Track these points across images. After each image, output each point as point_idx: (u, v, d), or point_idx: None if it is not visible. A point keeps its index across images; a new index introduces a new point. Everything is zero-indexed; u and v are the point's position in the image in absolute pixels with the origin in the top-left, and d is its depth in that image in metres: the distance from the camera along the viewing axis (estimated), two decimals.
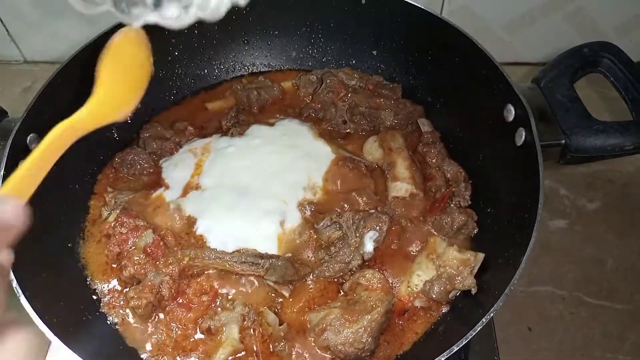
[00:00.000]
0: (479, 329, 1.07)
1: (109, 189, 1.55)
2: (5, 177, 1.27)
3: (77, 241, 1.47)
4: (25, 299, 1.11)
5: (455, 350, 1.06)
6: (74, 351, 1.08)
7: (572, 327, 1.61)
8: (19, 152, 1.33)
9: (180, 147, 1.64)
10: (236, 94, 1.77)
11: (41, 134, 1.40)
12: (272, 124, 1.70)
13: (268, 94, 1.77)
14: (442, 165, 1.55)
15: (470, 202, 1.49)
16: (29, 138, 1.37)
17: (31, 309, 1.10)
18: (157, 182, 1.57)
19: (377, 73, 1.79)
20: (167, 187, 1.55)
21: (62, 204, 1.46)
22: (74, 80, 1.50)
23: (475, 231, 1.45)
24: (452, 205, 1.47)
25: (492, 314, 1.08)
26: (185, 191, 1.53)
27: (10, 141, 1.32)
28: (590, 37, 1.59)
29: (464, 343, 1.05)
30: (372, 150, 1.60)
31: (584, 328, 1.61)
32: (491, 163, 1.51)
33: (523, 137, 1.35)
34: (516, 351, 1.57)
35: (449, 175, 1.54)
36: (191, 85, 1.83)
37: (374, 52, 1.82)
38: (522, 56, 2.08)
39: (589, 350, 1.58)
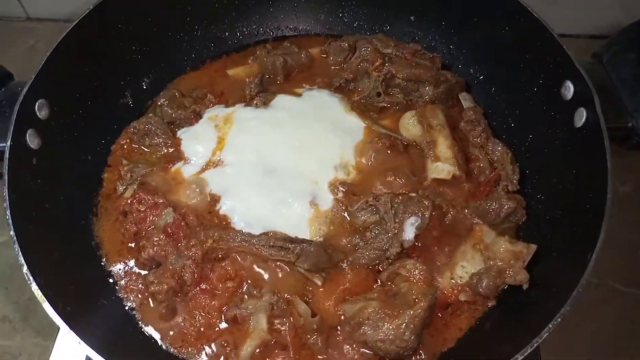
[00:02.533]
0: (545, 335, 0.96)
1: (124, 162, 1.43)
2: (12, 147, 1.15)
3: (91, 218, 1.37)
4: (36, 286, 1.01)
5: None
6: (87, 342, 1.00)
7: (604, 315, 1.51)
8: (27, 120, 1.21)
9: (200, 117, 1.51)
10: (260, 60, 1.63)
11: (50, 99, 1.29)
12: (299, 95, 1.57)
13: (295, 61, 1.63)
14: (487, 145, 1.43)
15: (518, 187, 1.36)
16: (37, 104, 1.25)
17: (43, 297, 1.00)
18: (176, 154, 1.46)
19: (414, 41, 1.65)
20: (186, 161, 1.44)
21: (73, 177, 1.35)
22: (84, 41, 1.38)
23: (524, 219, 1.34)
24: (499, 190, 1.35)
25: (559, 319, 0.97)
26: (207, 166, 1.42)
27: (17, 107, 1.19)
28: None
29: (529, 351, 0.95)
30: (410, 126, 1.47)
31: (616, 316, 1.52)
32: (542, 145, 1.38)
33: (584, 117, 1.22)
34: (547, 340, 1.49)
35: (494, 157, 1.41)
36: (211, 50, 1.69)
37: (412, 18, 1.67)
38: (581, 27, 1.89)
39: (622, 341, 1.48)
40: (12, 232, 1.04)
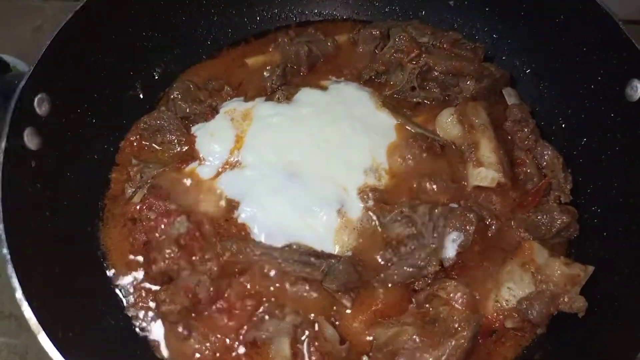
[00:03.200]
0: None
1: (134, 161, 1.31)
2: (7, 150, 1.03)
3: (96, 224, 1.25)
4: (32, 313, 0.89)
5: None
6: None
7: None
8: (25, 117, 1.09)
9: (217, 111, 1.38)
10: (282, 48, 1.48)
11: (51, 93, 1.17)
12: (324, 88, 1.43)
13: (320, 50, 1.49)
14: (535, 148, 1.29)
15: (571, 198, 1.22)
16: (37, 99, 1.12)
17: (39, 326, 0.88)
18: (190, 153, 1.34)
19: (453, 29, 1.49)
20: (201, 161, 1.31)
21: (77, 179, 1.23)
22: (90, 26, 1.24)
23: (576, 234, 1.20)
24: (551, 201, 1.20)
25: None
26: (224, 168, 1.29)
27: (13, 104, 1.06)
28: None
29: None
30: (449, 125, 1.33)
31: None
32: (599, 151, 1.24)
33: None
34: None
35: (543, 162, 1.27)
36: (229, 36, 1.55)
37: (450, 3, 1.51)
38: None
39: None
40: (5, 251, 0.92)
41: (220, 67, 1.51)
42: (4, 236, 0.93)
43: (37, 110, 1.12)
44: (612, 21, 1.17)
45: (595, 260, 1.12)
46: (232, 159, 1.29)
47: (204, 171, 1.29)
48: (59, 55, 1.17)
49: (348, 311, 1.13)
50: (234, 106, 1.38)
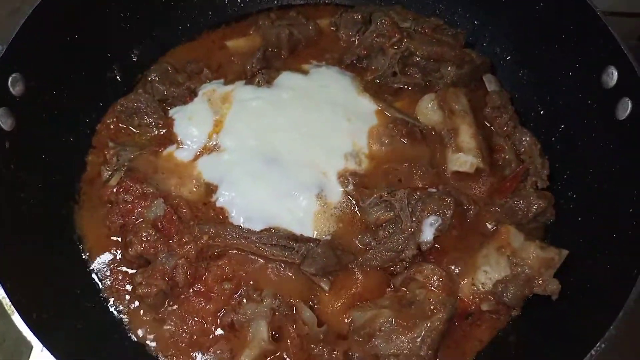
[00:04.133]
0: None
1: (110, 144, 1.30)
2: None
3: (72, 207, 1.24)
4: (5, 293, 0.88)
5: None
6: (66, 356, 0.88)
7: None
8: None
9: (195, 94, 1.37)
10: (263, 31, 1.48)
11: (26, 73, 1.15)
12: (305, 72, 1.43)
13: (301, 34, 1.48)
14: (514, 134, 1.30)
15: (548, 184, 1.24)
16: (10, 79, 1.11)
17: (13, 306, 0.88)
18: (168, 137, 1.33)
19: (434, 14, 1.50)
20: (179, 145, 1.31)
21: (53, 161, 1.22)
22: (66, 5, 1.23)
23: (552, 219, 1.22)
24: (528, 186, 1.22)
25: (602, 346, 0.87)
26: (202, 151, 1.29)
27: None
28: None
29: None
30: (429, 111, 1.34)
31: None
32: (576, 137, 1.26)
33: (629, 109, 1.10)
34: None
35: (521, 148, 1.30)
36: (209, 18, 1.54)
37: None
38: (628, 4, 1.65)
39: None
40: None
41: (199, 50, 1.50)
42: None
43: (11, 90, 1.11)
44: (590, 10, 1.19)
45: (569, 245, 1.15)
46: (210, 143, 1.29)
47: (182, 154, 1.29)
48: (34, 35, 1.15)
49: (326, 294, 1.14)
50: (213, 87, 1.38)
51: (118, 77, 1.41)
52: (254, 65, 1.40)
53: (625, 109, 1.10)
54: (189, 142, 1.30)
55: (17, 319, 0.86)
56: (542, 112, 1.35)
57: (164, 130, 1.33)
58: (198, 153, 1.29)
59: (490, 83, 1.41)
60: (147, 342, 1.10)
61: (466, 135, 1.27)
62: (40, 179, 1.17)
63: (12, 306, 0.87)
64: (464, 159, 1.25)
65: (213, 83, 1.40)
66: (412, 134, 1.30)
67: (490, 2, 1.45)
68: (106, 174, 1.24)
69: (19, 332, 0.86)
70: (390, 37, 1.38)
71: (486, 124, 1.35)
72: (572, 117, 1.27)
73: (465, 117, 1.29)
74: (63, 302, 1.06)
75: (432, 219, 1.16)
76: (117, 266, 1.17)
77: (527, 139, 1.29)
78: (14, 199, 1.07)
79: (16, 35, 1.12)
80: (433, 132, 1.32)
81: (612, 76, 1.14)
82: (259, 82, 1.37)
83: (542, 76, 1.35)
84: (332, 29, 1.52)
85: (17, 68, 1.12)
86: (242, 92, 1.36)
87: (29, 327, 0.86)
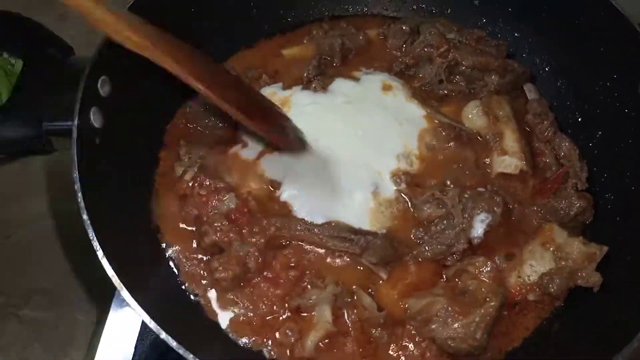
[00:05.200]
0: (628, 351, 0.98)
1: (182, 143, 1.42)
2: (79, 126, 1.14)
3: (147, 198, 1.36)
4: (113, 271, 1.01)
5: None
6: (159, 324, 1.00)
7: None
8: (91, 98, 1.20)
9: None
10: (317, 40, 1.60)
11: (111, 76, 1.28)
12: (357, 79, 1.55)
13: (352, 43, 1.60)
14: (554, 139, 1.42)
15: (587, 186, 1.36)
16: (100, 81, 1.23)
17: (120, 283, 1.00)
18: (232, 137, 1.45)
19: (477, 27, 1.62)
20: (244, 145, 1.42)
21: (131, 157, 1.34)
22: (146, 14, 1.35)
23: (591, 219, 1.34)
24: (569, 188, 1.34)
25: None
26: (265, 150, 1.41)
27: (82, 84, 1.18)
28: None
29: None
30: (474, 117, 1.45)
31: None
32: (612, 143, 1.37)
33: None
34: None
35: (560, 152, 1.40)
36: (266, 28, 1.67)
37: (475, 2, 1.64)
38: None
39: None
40: (85, 217, 1.04)
41: (257, 57, 1.62)
42: (82, 204, 1.05)
43: (100, 91, 1.24)
44: (627, 23, 1.30)
45: (607, 243, 1.25)
46: None
47: (247, 153, 1.41)
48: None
49: (384, 283, 1.25)
50: (273, 90, 1.50)
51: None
52: (310, 72, 1.52)
53: None
54: (253, 143, 1.42)
55: (125, 294, 0.98)
56: (579, 119, 1.46)
57: (228, 131, 1.45)
58: (261, 152, 1.40)
59: (530, 92, 1.52)
60: (223, 323, 1.22)
61: (510, 140, 1.38)
62: (123, 172, 1.29)
63: (120, 283, 0.99)
64: (508, 162, 1.36)
65: (272, 87, 1.52)
66: (459, 138, 1.41)
67: (530, 16, 1.56)
68: (179, 170, 1.37)
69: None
70: (438, 48, 1.50)
71: (527, 129, 1.46)
72: (609, 124, 1.38)
73: (509, 122, 1.41)
74: (149, 282, 1.17)
75: (482, 215, 1.26)
76: (192, 254, 1.29)
77: (567, 144, 1.40)
78: (106, 189, 1.19)
79: (103, 42, 1.24)
80: (479, 137, 1.43)
81: None
82: (315, 87, 1.49)
83: (580, 86, 1.46)
84: (381, 38, 1.64)
85: (104, 71, 1.24)
86: (300, 96, 1.48)
87: (134, 300, 0.98)
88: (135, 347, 1.35)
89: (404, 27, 1.59)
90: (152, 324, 0.98)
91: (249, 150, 1.41)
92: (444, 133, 1.41)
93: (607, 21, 1.35)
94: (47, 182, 1.81)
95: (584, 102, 1.46)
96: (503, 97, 1.47)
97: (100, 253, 1.02)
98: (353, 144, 1.40)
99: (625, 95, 1.32)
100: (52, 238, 1.71)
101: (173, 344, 0.96)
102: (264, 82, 1.54)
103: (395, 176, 1.36)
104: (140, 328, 1.37)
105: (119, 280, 0.99)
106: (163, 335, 0.96)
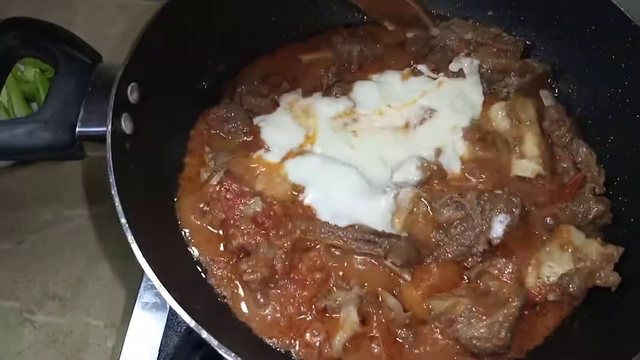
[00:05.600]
0: None
1: (207, 149, 1.48)
2: (112, 132, 1.20)
3: (174, 202, 1.43)
4: (152, 272, 1.07)
5: None
6: (192, 316, 1.06)
7: None
8: (121, 104, 1.26)
9: (278, 104, 1.57)
10: (335, 48, 1.66)
11: (140, 83, 1.34)
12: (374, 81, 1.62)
13: (370, 51, 1.66)
14: (571, 145, 1.48)
15: (604, 190, 1.43)
16: (129, 88, 1.29)
17: (161, 284, 1.06)
18: (255, 142, 1.51)
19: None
20: (267, 149, 1.48)
21: (158, 162, 1.41)
22: (172, 23, 1.42)
23: (609, 222, 1.41)
24: (587, 192, 1.41)
25: None
26: (288, 155, 1.47)
27: (114, 91, 1.23)
28: None
29: None
30: (498, 118, 1.52)
31: None
32: (625, 148, 1.45)
33: None
34: None
35: (578, 158, 1.47)
36: (283, 36, 1.73)
37: (490, 13, 1.73)
38: None
39: None
40: (123, 220, 1.10)
41: (276, 63, 1.69)
42: (120, 207, 1.11)
43: (130, 98, 1.29)
44: (638, 31, 1.38)
45: (625, 244, 1.32)
46: (300, 149, 1.48)
47: (270, 157, 1.47)
48: (145, 49, 1.32)
49: (407, 284, 1.32)
50: (294, 97, 1.57)
51: (205, 86, 1.60)
52: (329, 79, 1.59)
53: None
54: (276, 149, 1.48)
55: (164, 293, 1.04)
56: (589, 122, 1.56)
57: (251, 137, 1.51)
58: (284, 156, 1.46)
59: (546, 98, 1.58)
60: (252, 323, 1.28)
61: (530, 143, 1.45)
62: (151, 177, 1.35)
63: (161, 285, 1.05)
64: (526, 165, 1.43)
65: (293, 93, 1.58)
66: (484, 140, 1.48)
67: (543, 24, 1.65)
68: (205, 175, 1.41)
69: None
70: (458, 52, 1.58)
71: (546, 135, 1.52)
72: (621, 129, 1.46)
73: (532, 126, 1.47)
74: (180, 284, 1.22)
75: (501, 216, 1.33)
76: (219, 257, 1.35)
77: (584, 149, 1.47)
78: (138, 193, 1.23)
79: (134, 50, 1.29)
80: (503, 139, 1.50)
81: None
82: (336, 94, 1.56)
83: (592, 92, 1.55)
84: (398, 45, 1.71)
85: (133, 78, 1.29)
86: (322, 104, 1.55)
87: (174, 299, 1.05)
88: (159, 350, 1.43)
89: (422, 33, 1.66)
90: (192, 324, 1.03)
91: (272, 154, 1.47)
92: (468, 134, 1.48)
93: (620, 30, 1.43)
94: (59, 189, 1.87)
95: (596, 108, 1.54)
96: (529, 100, 1.53)
97: (139, 255, 1.07)
98: (376, 147, 1.48)
99: (637, 100, 1.40)
100: (65, 244, 1.76)
101: (214, 343, 1.01)
102: (283, 88, 1.60)
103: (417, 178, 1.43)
104: (164, 330, 1.44)
105: (159, 282, 1.04)
106: (205, 334, 1.01)
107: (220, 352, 1.01)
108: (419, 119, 1.51)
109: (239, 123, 1.52)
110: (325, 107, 1.53)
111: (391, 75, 1.63)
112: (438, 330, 1.26)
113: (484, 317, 1.21)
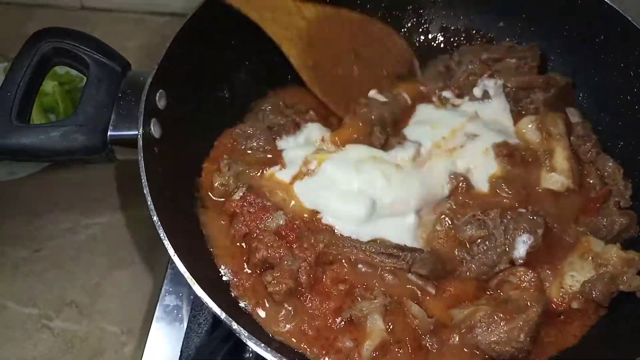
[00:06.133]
0: None
1: (225, 157, 1.73)
2: (143, 135, 1.33)
3: (199, 212, 1.58)
4: (184, 268, 1.22)
5: None
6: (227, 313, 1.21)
7: None
8: (151, 109, 1.50)
9: (299, 127, 1.76)
10: (363, 117, 1.69)
11: (167, 90, 1.43)
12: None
13: (398, 107, 1.76)
14: (597, 160, 1.73)
15: (630, 203, 1.65)
16: (158, 94, 1.42)
17: (192, 278, 1.21)
18: (274, 159, 1.69)
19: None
20: (282, 166, 1.63)
21: (184, 166, 1.56)
22: (200, 33, 1.62)
23: (637, 235, 1.61)
24: (611, 205, 1.63)
25: None
26: (296, 176, 1.59)
27: (144, 97, 1.41)
28: None
29: None
30: (528, 132, 1.74)
31: None
32: (636, 153, 1.62)
33: None
34: None
35: (604, 172, 1.71)
36: None
37: (501, 24, 1.88)
38: None
39: None
40: (155, 218, 1.27)
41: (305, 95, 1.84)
42: (152, 206, 1.31)
43: (158, 104, 1.51)
44: None
45: None
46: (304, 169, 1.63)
47: (281, 175, 1.60)
48: (172, 57, 1.52)
49: (429, 298, 1.44)
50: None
51: (227, 96, 1.78)
52: (380, 138, 1.64)
53: None
54: (288, 166, 1.62)
55: (197, 288, 1.22)
56: (599, 128, 1.67)
57: (270, 155, 1.70)
58: (293, 177, 1.56)
59: (573, 116, 1.86)
60: (275, 333, 1.41)
61: (560, 157, 1.70)
62: (175, 182, 1.53)
63: (192, 278, 1.21)
64: (556, 179, 1.67)
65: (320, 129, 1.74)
66: (513, 156, 1.67)
67: (552, 35, 1.78)
68: (217, 182, 1.57)
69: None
70: (481, 75, 1.71)
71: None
72: (631, 136, 1.62)
73: (561, 140, 1.74)
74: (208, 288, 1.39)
75: (524, 236, 1.53)
76: (243, 269, 1.50)
77: (611, 164, 1.71)
78: (164, 196, 1.45)
79: (163, 58, 1.51)
80: (534, 154, 1.63)
81: None
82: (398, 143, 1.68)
83: (602, 101, 1.71)
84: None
85: (161, 85, 1.53)
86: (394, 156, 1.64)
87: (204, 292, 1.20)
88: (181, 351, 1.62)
89: (439, 69, 1.86)
90: (223, 315, 1.16)
91: (283, 173, 1.64)
92: (498, 150, 1.63)
93: (629, 39, 1.58)
94: (77, 197, 2.06)
95: (606, 116, 1.69)
96: (559, 115, 1.76)
97: (171, 251, 1.24)
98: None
99: None
100: (83, 251, 1.96)
101: (244, 334, 1.13)
102: (310, 117, 1.74)
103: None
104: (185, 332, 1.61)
105: (192, 278, 1.27)
106: (235, 326, 1.15)
107: (249, 343, 1.16)
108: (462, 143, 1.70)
109: (260, 140, 1.73)
110: (398, 154, 1.66)
111: (424, 108, 1.80)
112: (457, 337, 1.41)
113: (503, 323, 1.39)
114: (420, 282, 1.47)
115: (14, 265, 1.94)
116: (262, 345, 1.15)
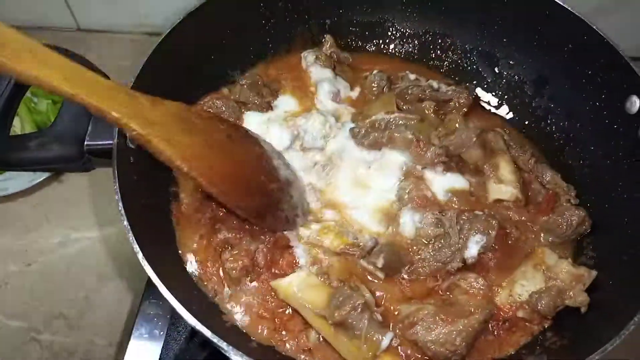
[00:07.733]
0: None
1: None
2: (118, 145, 1.39)
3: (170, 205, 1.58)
4: (152, 271, 1.24)
5: None
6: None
7: None
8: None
9: (271, 109, 1.77)
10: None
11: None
12: None
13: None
14: (536, 169, 1.67)
15: (578, 201, 1.57)
16: None
17: (159, 281, 1.23)
18: None
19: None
20: None
21: (155, 174, 1.56)
22: (174, 50, 1.62)
23: (589, 230, 1.56)
24: (564, 202, 1.56)
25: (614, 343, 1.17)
26: None
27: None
28: None
29: None
30: (471, 150, 1.68)
31: None
32: (604, 157, 1.63)
33: None
34: None
35: (544, 180, 1.64)
36: None
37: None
38: None
39: None
40: (125, 223, 1.28)
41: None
42: (123, 210, 1.28)
43: None
44: (612, 49, 1.55)
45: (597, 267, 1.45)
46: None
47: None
48: (148, 74, 1.52)
49: (380, 287, 1.48)
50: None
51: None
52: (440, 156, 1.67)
53: None
54: None
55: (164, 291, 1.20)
56: (572, 135, 1.77)
57: None
58: None
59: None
60: (237, 320, 1.43)
61: (506, 170, 1.60)
62: (147, 188, 1.52)
63: (159, 281, 1.21)
64: (505, 189, 1.57)
65: None
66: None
67: (524, 46, 1.87)
68: None
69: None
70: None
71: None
72: (600, 139, 1.66)
73: (504, 155, 1.63)
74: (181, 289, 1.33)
75: (477, 237, 1.44)
76: (205, 249, 1.52)
77: (549, 172, 1.64)
78: (138, 202, 1.41)
79: (139, 72, 1.51)
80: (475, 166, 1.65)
81: (635, 104, 1.52)
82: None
83: (572, 107, 1.78)
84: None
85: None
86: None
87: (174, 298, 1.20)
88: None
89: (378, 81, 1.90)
90: (197, 326, 1.20)
91: None
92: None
93: (595, 48, 1.63)
94: (68, 213, 2.08)
95: (577, 121, 1.77)
96: (499, 132, 1.72)
97: (140, 255, 1.24)
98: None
99: (614, 112, 1.60)
100: (72, 265, 1.95)
101: (215, 339, 1.19)
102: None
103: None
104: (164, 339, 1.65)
105: (163, 285, 1.21)
106: (208, 333, 1.19)
107: (221, 346, 1.19)
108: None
109: (229, 114, 1.71)
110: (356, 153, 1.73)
111: None
112: (399, 332, 1.39)
113: (444, 325, 1.32)
114: (371, 268, 1.44)
115: (4, 279, 1.87)
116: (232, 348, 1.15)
